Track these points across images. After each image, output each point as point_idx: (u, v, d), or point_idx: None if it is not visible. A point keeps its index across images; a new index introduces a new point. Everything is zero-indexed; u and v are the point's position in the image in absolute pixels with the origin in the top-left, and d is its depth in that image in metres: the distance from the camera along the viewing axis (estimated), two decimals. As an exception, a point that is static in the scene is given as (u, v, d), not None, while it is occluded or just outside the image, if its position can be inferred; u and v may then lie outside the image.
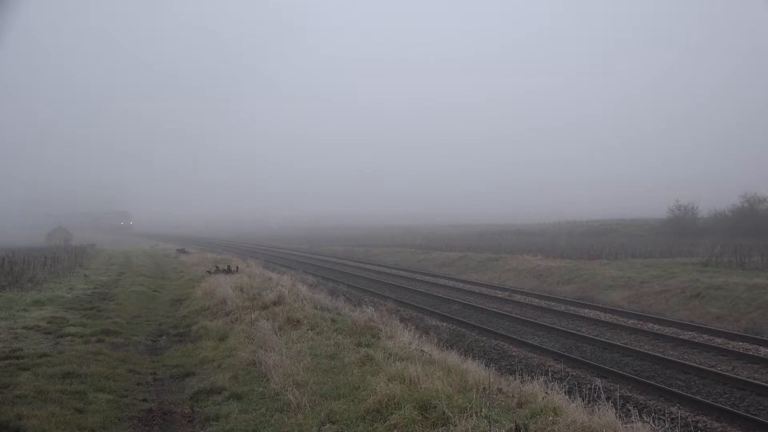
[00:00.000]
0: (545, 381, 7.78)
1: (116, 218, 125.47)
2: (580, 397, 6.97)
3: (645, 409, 8.83)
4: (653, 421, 6.43)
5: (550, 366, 11.89)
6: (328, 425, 6.55)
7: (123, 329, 13.45)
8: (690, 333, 14.91)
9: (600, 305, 19.53)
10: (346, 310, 14.50)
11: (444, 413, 6.25)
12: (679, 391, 10.21)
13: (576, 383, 9.37)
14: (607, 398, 6.97)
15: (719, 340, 14.03)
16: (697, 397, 9.87)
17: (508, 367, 11.71)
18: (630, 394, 10.14)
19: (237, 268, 24.11)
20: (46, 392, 8.02)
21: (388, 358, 8.89)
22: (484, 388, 7.11)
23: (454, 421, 6.06)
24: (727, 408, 9.32)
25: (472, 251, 38.57)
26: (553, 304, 20.19)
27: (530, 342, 14.19)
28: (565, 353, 12.99)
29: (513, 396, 7.31)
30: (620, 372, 11.44)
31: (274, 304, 14.17)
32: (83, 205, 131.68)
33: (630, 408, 7.85)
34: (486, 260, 33.63)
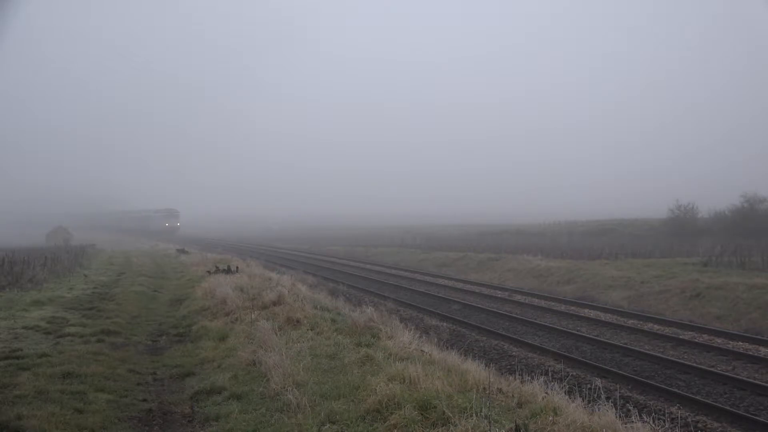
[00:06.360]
0: (545, 381, 7.80)
1: (161, 219, 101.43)
2: (580, 397, 6.97)
3: (645, 409, 8.84)
4: (653, 421, 6.44)
5: (550, 366, 11.89)
6: (328, 425, 6.55)
7: (123, 329, 13.46)
8: (690, 333, 14.91)
9: (600, 305, 19.53)
10: (346, 310, 14.51)
11: (444, 413, 6.26)
12: (679, 391, 10.21)
13: (576, 383, 9.37)
14: (607, 398, 6.97)
15: (719, 340, 14.03)
16: (697, 397, 9.87)
17: (508, 367, 11.71)
18: (630, 394, 10.14)
19: (237, 268, 24.11)
20: (46, 392, 8.03)
21: (388, 358, 8.90)
22: (484, 388, 7.12)
23: (454, 421, 6.06)
24: (727, 408, 9.32)
25: (473, 251, 38.54)
26: (553, 304, 20.19)
27: (530, 342, 14.18)
28: (565, 353, 12.99)
29: (513, 396, 7.31)
30: (620, 372, 11.44)
31: (274, 304, 14.18)
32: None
33: (630, 408, 7.86)
34: (486, 260, 33.62)
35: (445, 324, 16.59)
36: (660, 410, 8.94)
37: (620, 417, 6.63)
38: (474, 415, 6.13)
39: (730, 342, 13.80)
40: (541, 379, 7.89)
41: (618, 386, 9.94)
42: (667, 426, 6.58)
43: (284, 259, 42.92)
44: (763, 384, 10.49)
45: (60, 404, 7.59)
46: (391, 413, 6.52)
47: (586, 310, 18.68)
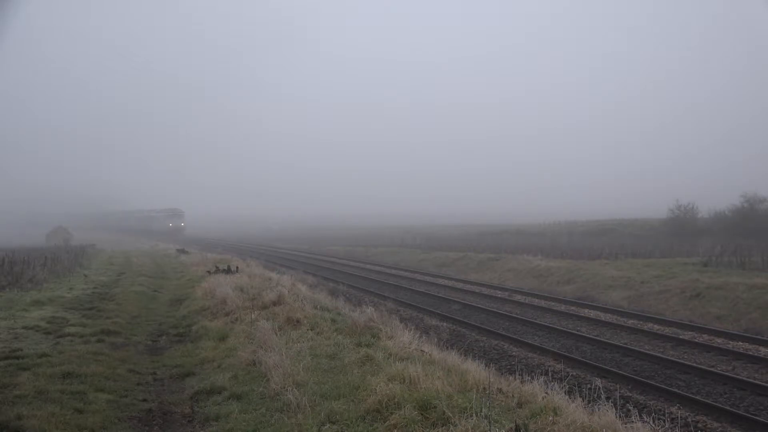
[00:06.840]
0: (545, 381, 7.80)
1: (164, 219, 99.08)
2: (580, 397, 6.97)
3: (645, 409, 8.84)
4: (653, 421, 6.44)
5: (550, 366, 11.90)
6: (328, 425, 6.55)
7: (123, 329, 13.46)
8: (690, 333, 14.91)
9: (600, 305, 19.53)
10: (346, 310, 14.51)
11: (444, 413, 6.26)
12: (679, 391, 10.21)
13: (576, 383, 9.38)
14: (607, 398, 6.97)
15: (719, 340, 14.03)
16: (697, 397, 9.87)
17: (508, 367, 11.71)
18: (630, 394, 10.14)
19: (237, 268, 24.11)
20: (46, 392, 8.03)
21: (388, 358, 8.90)
22: (484, 388, 7.12)
23: (454, 421, 6.06)
24: (727, 408, 9.32)
25: (473, 251, 38.53)
26: (553, 304, 20.19)
27: (530, 342, 14.18)
28: (565, 353, 12.99)
29: (513, 396, 7.31)
30: (620, 372, 11.44)
31: (274, 304, 14.18)
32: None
33: (630, 408, 7.86)
34: (486, 260, 33.62)
35: (445, 324, 16.59)
36: (660, 410, 8.95)
37: (620, 417, 6.63)
38: (474, 415, 6.13)
39: (730, 342, 13.80)
40: (541, 379, 7.90)
41: (618, 386, 9.95)
42: (667, 426, 6.58)
43: (284, 259, 42.91)
44: (763, 384, 10.49)
45: (60, 404, 7.59)
46: (391, 413, 6.51)
47: (586, 310, 18.68)
